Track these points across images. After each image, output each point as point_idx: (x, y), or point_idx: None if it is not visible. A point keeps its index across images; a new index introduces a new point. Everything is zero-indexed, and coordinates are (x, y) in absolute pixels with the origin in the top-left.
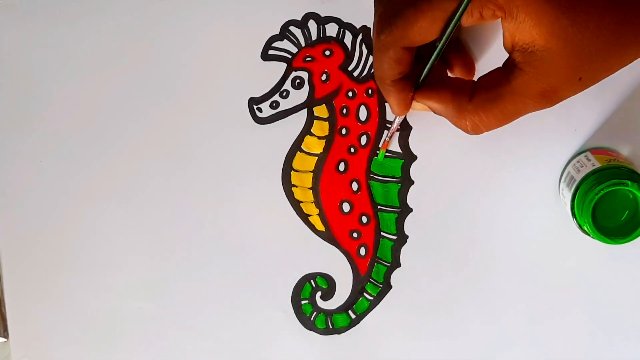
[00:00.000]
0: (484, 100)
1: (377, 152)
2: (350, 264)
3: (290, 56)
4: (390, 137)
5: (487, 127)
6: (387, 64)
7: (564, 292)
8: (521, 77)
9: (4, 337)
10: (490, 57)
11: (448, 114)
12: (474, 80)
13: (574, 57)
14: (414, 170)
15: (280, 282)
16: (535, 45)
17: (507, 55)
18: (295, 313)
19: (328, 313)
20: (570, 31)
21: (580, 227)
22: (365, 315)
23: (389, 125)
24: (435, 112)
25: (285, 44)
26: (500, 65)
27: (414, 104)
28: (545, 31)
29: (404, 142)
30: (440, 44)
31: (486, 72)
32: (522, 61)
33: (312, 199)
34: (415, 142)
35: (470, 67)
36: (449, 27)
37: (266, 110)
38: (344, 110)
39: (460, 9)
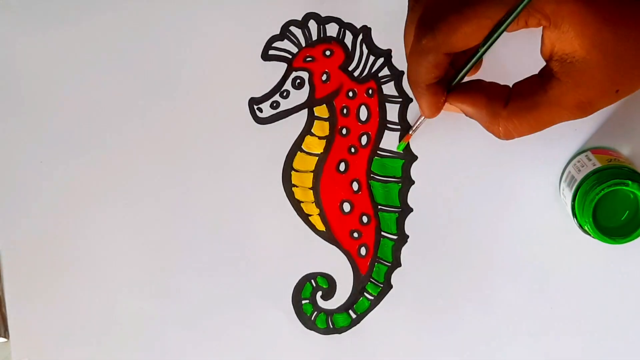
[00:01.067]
0: (519, 108)
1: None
2: (350, 263)
3: (290, 56)
4: (415, 131)
5: (520, 133)
6: (425, 69)
7: (564, 292)
8: (558, 87)
9: (5, 337)
10: (525, 63)
11: (481, 118)
12: (508, 86)
13: (612, 69)
14: (415, 170)
15: (281, 282)
16: (575, 56)
17: (537, 61)
18: (295, 313)
19: (329, 313)
20: (611, 44)
21: (581, 227)
22: (366, 315)
23: (414, 125)
24: (467, 115)
25: (285, 44)
26: (531, 72)
27: (446, 105)
28: (587, 42)
29: None
30: (482, 50)
31: (520, 77)
32: (560, 71)
33: (313, 199)
34: (415, 142)
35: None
36: (494, 34)
37: (267, 110)
38: (345, 110)
39: (510, 19)
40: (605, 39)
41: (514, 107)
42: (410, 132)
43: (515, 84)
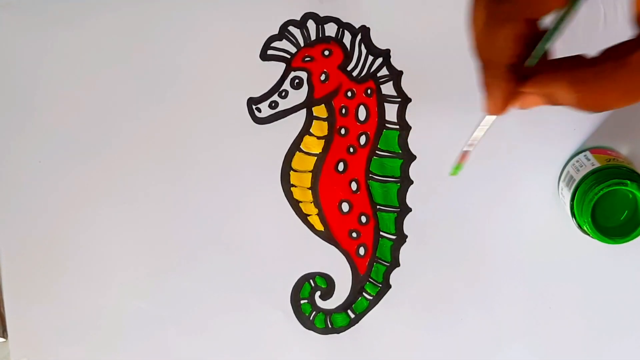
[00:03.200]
0: (611, 68)
1: (452, 167)
2: (349, 263)
3: (289, 56)
4: (476, 144)
5: (608, 101)
6: (504, 42)
7: (563, 291)
8: None
9: (3, 337)
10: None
11: (569, 92)
12: (593, 56)
13: None
14: (413, 170)
15: (280, 282)
16: None
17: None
18: (294, 312)
19: (327, 312)
20: None
21: (580, 226)
22: (365, 314)
23: (473, 134)
24: (551, 102)
25: (284, 44)
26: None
27: (525, 97)
28: None
29: (403, 142)
30: (566, 9)
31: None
32: None
33: (311, 199)
34: (414, 142)
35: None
36: None
37: (265, 110)
38: (343, 110)
39: None
40: None
41: (603, 67)
42: (467, 149)
43: (605, 49)
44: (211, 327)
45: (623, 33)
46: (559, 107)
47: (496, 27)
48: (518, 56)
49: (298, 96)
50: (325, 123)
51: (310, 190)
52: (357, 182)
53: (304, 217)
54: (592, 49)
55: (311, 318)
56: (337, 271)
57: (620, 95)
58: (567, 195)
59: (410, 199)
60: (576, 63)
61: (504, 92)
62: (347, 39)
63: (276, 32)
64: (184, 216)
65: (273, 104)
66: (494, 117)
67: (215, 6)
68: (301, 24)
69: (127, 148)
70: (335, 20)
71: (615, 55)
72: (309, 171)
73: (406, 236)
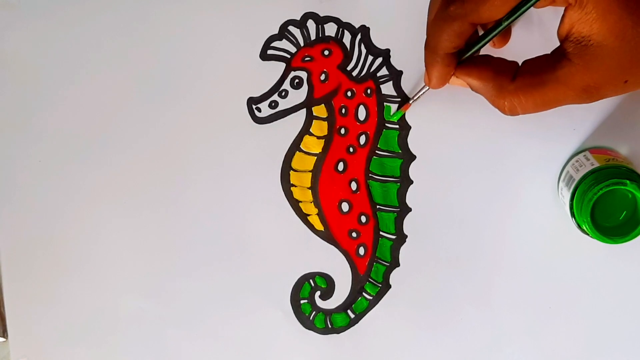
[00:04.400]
0: (526, 84)
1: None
2: (349, 263)
3: (289, 56)
4: (414, 101)
5: (524, 109)
6: (447, 36)
7: (563, 291)
8: (568, 67)
9: (3, 337)
10: (535, 48)
11: (487, 92)
12: (517, 62)
13: (626, 58)
14: (413, 170)
15: (279, 282)
16: (591, 40)
17: (548, 43)
18: (294, 312)
19: (327, 312)
20: (629, 33)
21: (579, 226)
22: (364, 314)
23: (415, 94)
24: (473, 89)
25: (284, 44)
26: (543, 52)
27: (452, 78)
28: (607, 28)
29: (402, 142)
30: (506, 23)
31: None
32: (573, 52)
33: (311, 199)
34: (414, 142)
35: (505, 35)
36: (522, 8)
37: (265, 110)
38: (343, 110)
39: None
40: (625, 27)
41: (522, 82)
42: (410, 102)
43: (524, 62)
44: (211, 327)
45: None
46: (558, 109)
47: (444, 21)
48: (455, 47)
49: (298, 96)
50: (325, 123)
51: (310, 190)
52: (357, 182)
53: (303, 217)
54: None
55: (311, 318)
56: (336, 271)
57: (531, 107)
58: (566, 195)
59: (410, 199)
60: (501, 69)
61: (440, 72)
62: (346, 38)
63: (276, 32)
64: (183, 216)
65: (273, 104)
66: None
67: (215, 6)
68: (301, 23)
69: (127, 148)
70: (335, 20)
71: (533, 69)
72: (309, 171)
73: (406, 236)
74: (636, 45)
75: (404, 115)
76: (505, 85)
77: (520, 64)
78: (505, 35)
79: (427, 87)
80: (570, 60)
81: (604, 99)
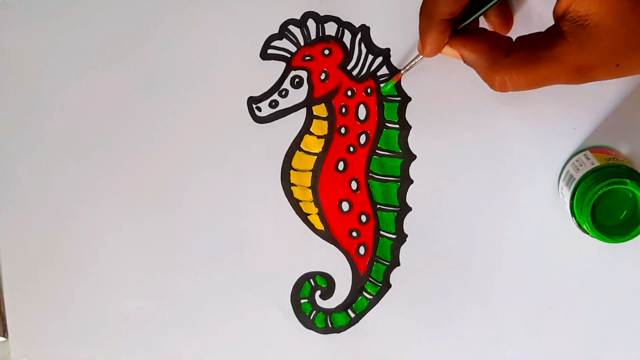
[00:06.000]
0: (520, 59)
1: (384, 83)
2: (349, 263)
3: (289, 55)
4: (406, 71)
5: (515, 87)
6: (444, 0)
7: (563, 291)
8: (563, 46)
9: (4, 336)
10: (532, 25)
11: (480, 65)
12: (511, 38)
13: (620, 41)
14: (413, 170)
15: (280, 281)
16: (587, 20)
17: (544, 23)
18: (294, 312)
19: (327, 312)
20: (627, 15)
21: (580, 225)
22: (365, 314)
23: (408, 63)
24: (466, 61)
25: (284, 43)
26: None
27: (446, 48)
28: (605, 8)
29: (403, 141)
30: None
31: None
32: (569, 31)
33: (312, 198)
34: (414, 142)
35: (508, 20)
36: None
37: (265, 109)
38: (343, 110)
39: None
40: (623, 10)
41: (515, 57)
42: (401, 72)
43: (518, 38)
44: (211, 326)
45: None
46: (558, 108)
47: None
48: (452, 14)
49: (298, 95)
50: (325, 122)
51: (310, 190)
52: (357, 182)
53: (304, 217)
54: None
55: (311, 317)
56: (337, 270)
57: (522, 83)
58: (567, 194)
59: (410, 199)
60: (496, 43)
61: (434, 39)
62: (347, 38)
63: (276, 31)
64: (184, 215)
65: (273, 103)
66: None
67: (215, 6)
68: (301, 23)
69: (127, 147)
70: (336, 20)
71: (528, 46)
72: (309, 170)
73: (406, 235)
74: (632, 28)
75: (404, 114)
76: (500, 60)
77: (514, 40)
78: (507, 21)
79: (420, 57)
80: (566, 39)
81: (604, 98)
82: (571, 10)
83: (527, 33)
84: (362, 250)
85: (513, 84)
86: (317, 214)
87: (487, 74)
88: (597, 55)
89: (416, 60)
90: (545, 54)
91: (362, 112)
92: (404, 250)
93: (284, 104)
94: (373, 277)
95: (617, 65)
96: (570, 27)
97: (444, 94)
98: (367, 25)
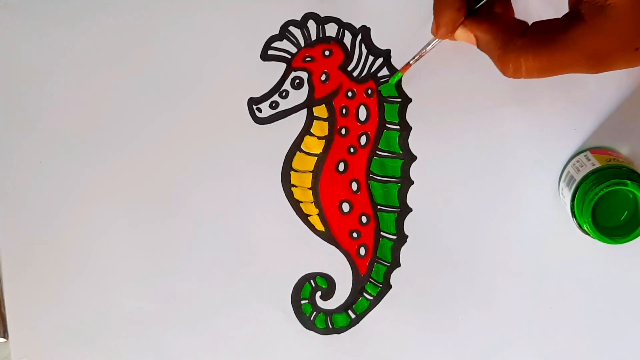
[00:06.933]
0: (536, 41)
1: (388, 78)
2: (350, 263)
3: (289, 56)
4: (416, 61)
5: (529, 72)
6: None
7: (564, 292)
8: (581, 28)
9: (4, 337)
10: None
11: (494, 47)
12: (527, 22)
13: (639, 25)
14: (414, 171)
15: (280, 282)
16: (607, 1)
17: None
18: (295, 313)
19: (328, 313)
20: None
21: (580, 226)
22: (365, 315)
23: (424, 51)
24: (479, 44)
25: (284, 44)
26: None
27: (459, 31)
28: None
29: (403, 142)
30: None
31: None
32: (587, 13)
33: (312, 199)
34: (415, 143)
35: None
36: None
37: (266, 110)
38: (344, 111)
39: None
40: None
41: (531, 39)
42: (410, 62)
43: (534, 23)
44: (212, 327)
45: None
46: (559, 109)
47: None
48: None
49: (298, 96)
50: (326, 123)
51: (310, 191)
52: (358, 182)
53: (304, 218)
54: None
55: (312, 318)
56: (337, 271)
57: (537, 68)
58: (567, 195)
59: (410, 199)
60: (511, 25)
61: (449, 18)
62: (347, 39)
63: (277, 32)
64: (184, 216)
65: (274, 104)
66: (439, 40)
67: (215, 6)
68: (302, 24)
69: (128, 148)
70: (336, 21)
71: (544, 29)
72: (310, 171)
73: (407, 236)
74: None
75: (405, 115)
76: (514, 41)
77: (530, 25)
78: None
79: (430, 45)
80: (585, 21)
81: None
82: None
83: None
84: (362, 251)
85: (527, 69)
86: (318, 214)
87: (501, 56)
88: (616, 38)
89: (427, 49)
90: (561, 37)
91: (362, 113)
92: (404, 251)
93: (284, 104)
94: (373, 278)
95: (637, 49)
96: (588, 9)
97: (445, 95)
98: (368, 26)
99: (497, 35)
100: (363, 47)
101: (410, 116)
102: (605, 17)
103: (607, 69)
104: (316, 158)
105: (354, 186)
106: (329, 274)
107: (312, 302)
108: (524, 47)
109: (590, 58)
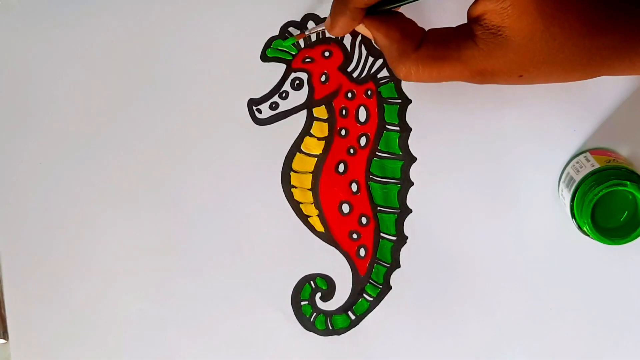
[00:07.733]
0: (428, 56)
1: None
2: (349, 265)
3: (289, 57)
4: (308, 35)
5: (418, 79)
6: None
7: (564, 293)
8: (472, 50)
9: (4, 338)
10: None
11: (390, 52)
12: (424, 29)
13: (527, 57)
14: (414, 172)
15: (280, 283)
16: (500, 31)
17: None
18: (295, 314)
19: (328, 314)
20: (537, 35)
21: (580, 227)
22: (365, 316)
23: (312, 29)
24: (376, 43)
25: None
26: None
27: (360, 26)
28: (518, 26)
29: (403, 143)
30: None
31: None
32: (480, 37)
33: (312, 200)
34: (414, 144)
35: None
36: None
37: (266, 111)
38: (344, 111)
39: None
40: (535, 30)
41: (424, 53)
42: (305, 32)
43: (430, 31)
44: (212, 328)
45: None
46: (559, 110)
47: None
48: (367, 4)
49: (298, 97)
50: (326, 124)
51: (310, 192)
52: (358, 184)
53: (304, 218)
54: None
55: (312, 319)
56: (337, 272)
57: (426, 78)
58: (567, 196)
59: (410, 201)
60: (408, 33)
61: (343, 24)
62: (347, 40)
63: (277, 33)
64: (184, 217)
65: (273, 105)
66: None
67: (215, 7)
68: (301, 25)
69: (128, 149)
70: None
71: (438, 42)
72: (310, 172)
73: (406, 237)
74: (540, 46)
75: (405, 117)
76: (409, 53)
77: (426, 32)
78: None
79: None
80: (476, 44)
81: (604, 100)
82: (486, 17)
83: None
84: (362, 252)
85: (416, 77)
86: (318, 215)
87: (394, 63)
88: (503, 64)
89: (321, 30)
90: (452, 54)
91: (362, 114)
92: (404, 252)
93: (284, 105)
94: (373, 279)
95: (520, 76)
96: (482, 33)
97: (444, 97)
98: None
99: (392, 42)
100: (363, 48)
101: (410, 117)
102: (497, 45)
103: (491, 84)
104: (316, 159)
105: (354, 187)
106: (329, 275)
107: (312, 303)
108: (416, 60)
109: (476, 75)
